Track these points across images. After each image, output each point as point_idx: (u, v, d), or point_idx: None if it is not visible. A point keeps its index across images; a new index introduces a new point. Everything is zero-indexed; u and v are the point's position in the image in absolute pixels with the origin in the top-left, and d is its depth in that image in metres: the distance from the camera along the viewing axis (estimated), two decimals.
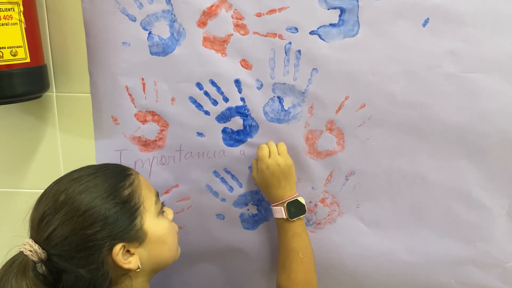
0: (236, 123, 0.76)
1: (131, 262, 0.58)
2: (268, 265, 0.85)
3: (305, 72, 0.73)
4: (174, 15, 0.71)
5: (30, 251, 0.54)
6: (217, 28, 0.71)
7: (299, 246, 0.73)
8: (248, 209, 0.82)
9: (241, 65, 0.73)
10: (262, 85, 0.74)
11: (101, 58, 0.73)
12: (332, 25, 0.70)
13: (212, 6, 0.70)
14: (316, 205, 0.81)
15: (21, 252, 0.54)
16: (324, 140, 0.77)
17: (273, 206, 0.75)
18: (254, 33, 0.71)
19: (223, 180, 0.80)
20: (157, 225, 0.62)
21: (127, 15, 0.71)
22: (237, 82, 0.74)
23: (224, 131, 0.77)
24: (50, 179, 0.61)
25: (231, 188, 0.80)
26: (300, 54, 0.72)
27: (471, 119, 0.73)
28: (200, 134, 0.77)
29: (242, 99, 0.75)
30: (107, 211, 0.57)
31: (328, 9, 0.69)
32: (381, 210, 0.80)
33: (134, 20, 0.71)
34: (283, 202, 0.73)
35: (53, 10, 0.75)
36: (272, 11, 0.70)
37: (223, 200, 0.81)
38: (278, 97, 0.75)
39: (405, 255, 0.82)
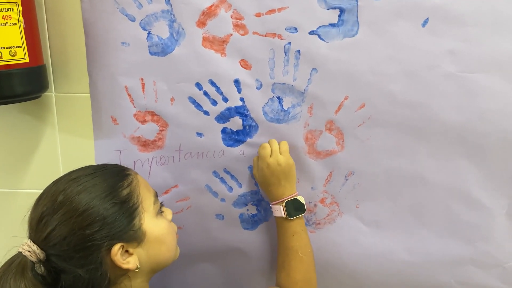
0: (236, 123, 0.76)
1: (130, 262, 0.58)
2: (268, 265, 0.85)
3: (304, 72, 0.73)
4: (174, 15, 0.71)
5: (29, 251, 0.54)
6: (216, 28, 0.71)
7: (299, 245, 0.73)
8: (247, 209, 0.82)
9: (241, 65, 0.73)
10: (261, 85, 0.74)
11: (100, 58, 0.73)
12: (331, 25, 0.70)
13: (211, 6, 0.70)
14: (315, 205, 0.81)
15: (20, 253, 0.54)
16: (323, 140, 0.76)
17: (273, 204, 0.75)
18: (254, 33, 0.71)
19: (222, 180, 0.80)
20: (155, 225, 0.62)
21: (126, 15, 0.71)
22: (237, 82, 0.74)
23: (223, 131, 0.77)
24: (49, 180, 0.61)
25: (230, 188, 0.80)
26: (299, 54, 0.72)
27: (471, 119, 0.73)
28: (199, 134, 0.77)
29: (242, 99, 0.75)
30: (106, 211, 0.56)
31: (328, 9, 0.69)
32: (380, 210, 0.80)
33: (133, 20, 0.71)
34: (282, 201, 0.73)
35: (52, 10, 0.75)
36: (272, 11, 0.70)
37: (223, 200, 0.81)
38: (278, 97, 0.75)
39: (404, 255, 0.82)
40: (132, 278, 0.60)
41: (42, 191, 0.59)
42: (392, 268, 0.82)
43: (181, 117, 0.76)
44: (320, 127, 0.76)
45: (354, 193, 0.79)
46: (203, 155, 0.78)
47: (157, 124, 0.77)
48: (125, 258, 0.58)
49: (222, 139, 0.77)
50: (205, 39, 0.72)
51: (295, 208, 0.73)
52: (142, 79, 0.74)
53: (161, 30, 0.72)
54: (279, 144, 0.75)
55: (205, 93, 0.74)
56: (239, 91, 0.74)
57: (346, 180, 0.79)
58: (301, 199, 0.74)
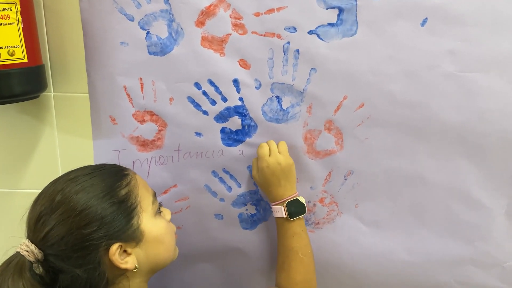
0: (235, 123, 0.76)
1: (128, 262, 0.58)
2: (267, 265, 0.85)
3: (303, 72, 0.73)
4: (172, 15, 0.71)
5: (27, 251, 0.54)
6: (215, 27, 0.71)
7: (299, 246, 0.73)
8: (246, 209, 0.82)
9: (240, 64, 0.73)
10: (260, 84, 0.74)
11: (99, 58, 0.73)
12: (330, 24, 0.70)
13: (210, 5, 0.70)
14: (314, 205, 0.81)
15: (18, 253, 0.54)
16: (322, 140, 0.76)
17: (273, 205, 0.75)
18: (253, 32, 0.71)
19: (221, 180, 0.80)
20: (154, 225, 0.62)
21: (125, 15, 0.71)
22: (236, 81, 0.74)
23: (222, 131, 0.77)
24: (48, 179, 0.61)
25: (229, 188, 0.80)
26: (298, 53, 0.72)
27: (471, 119, 0.73)
28: (198, 134, 0.77)
29: (241, 99, 0.75)
30: (104, 211, 0.56)
31: (327, 9, 0.69)
32: (380, 210, 0.80)
33: (132, 19, 0.71)
34: (283, 201, 0.73)
35: (51, 10, 0.74)
36: (271, 10, 0.70)
37: (222, 200, 0.81)
38: (277, 97, 0.75)
39: (404, 255, 0.82)
40: (130, 278, 0.60)
41: (40, 191, 0.59)
42: (392, 268, 0.82)
43: (180, 116, 0.76)
44: (319, 127, 0.76)
45: (353, 193, 0.79)
46: (202, 155, 0.78)
47: (156, 124, 0.77)
48: (123, 258, 0.58)
49: (221, 138, 0.77)
50: (204, 38, 0.72)
51: (296, 208, 0.73)
52: (141, 79, 0.74)
53: (160, 30, 0.71)
54: (277, 145, 0.75)
55: (204, 93, 0.74)
56: (238, 91, 0.74)
57: (345, 179, 0.79)
58: (301, 199, 0.73)
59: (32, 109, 0.80)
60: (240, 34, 0.71)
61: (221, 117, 0.76)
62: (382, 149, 0.76)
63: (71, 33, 0.75)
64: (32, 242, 0.55)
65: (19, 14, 0.68)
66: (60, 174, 0.61)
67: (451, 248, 0.80)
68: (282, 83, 0.74)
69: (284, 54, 0.72)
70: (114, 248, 0.56)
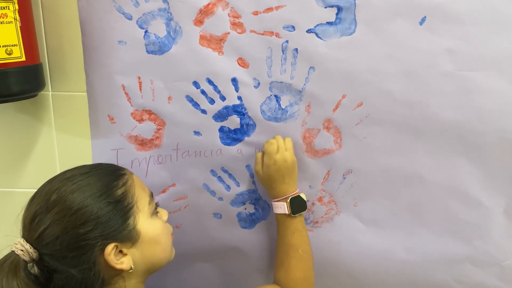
0: (233, 122, 0.76)
1: (124, 262, 0.58)
2: (266, 264, 0.85)
3: (302, 71, 0.72)
4: (171, 14, 0.71)
5: (22, 250, 0.54)
6: (213, 26, 0.71)
7: (299, 243, 0.73)
8: (245, 208, 0.82)
9: (238, 63, 0.73)
10: (259, 83, 0.74)
11: (97, 57, 0.73)
12: (329, 23, 0.70)
13: (208, 4, 0.70)
14: (313, 203, 0.81)
15: (13, 252, 0.54)
16: (321, 138, 0.76)
17: (275, 201, 0.75)
18: (251, 31, 0.71)
19: (220, 179, 0.80)
20: (150, 225, 0.61)
21: (123, 14, 0.71)
22: (234, 80, 0.74)
23: (221, 130, 0.77)
24: (46, 179, 0.60)
25: (228, 187, 0.80)
26: (297, 52, 0.72)
27: (469, 118, 0.73)
28: (197, 133, 0.77)
29: (239, 98, 0.75)
30: (100, 210, 0.56)
31: (325, 7, 0.69)
32: (378, 209, 0.80)
33: (130, 18, 0.71)
34: (287, 197, 0.73)
35: (49, 9, 0.74)
36: (269, 9, 0.70)
37: (220, 199, 0.81)
38: (275, 96, 0.75)
39: (403, 254, 0.82)
40: (126, 279, 0.59)
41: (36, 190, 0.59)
42: (391, 267, 0.82)
43: (178, 115, 0.76)
44: (318, 126, 0.76)
45: (352, 191, 0.79)
46: (201, 154, 0.78)
47: (154, 123, 0.76)
48: (119, 258, 0.57)
49: (220, 137, 0.77)
50: (202, 37, 0.72)
51: (298, 205, 0.73)
52: (139, 78, 0.74)
53: (158, 29, 0.71)
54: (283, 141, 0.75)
55: (203, 92, 0.74)
56: (237, 90, 0.74)
57: (344, 178, 0.79)
58: (303, 196, 0.73)
59: (30, 108, 0.80)
60: (239, 33, 0.71)
61: (220, 116, 0.76)
62: (380, 148, 0.76)
63: (69, 32, 0.75)
64: (27, 241, 0.55)
65: (17, 13, 0.67)
66: (58, 173, 0.61)
67: (450, 247, 0.80)
68: (281, 82, 0.74)
69: (283, 53, 0.72)
70: (110, 248, 0.56)
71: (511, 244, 0.79)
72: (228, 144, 0.77)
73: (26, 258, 0.54)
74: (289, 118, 0.75)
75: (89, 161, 0.75)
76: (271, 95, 0.74)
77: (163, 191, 0.80)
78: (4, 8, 0.66)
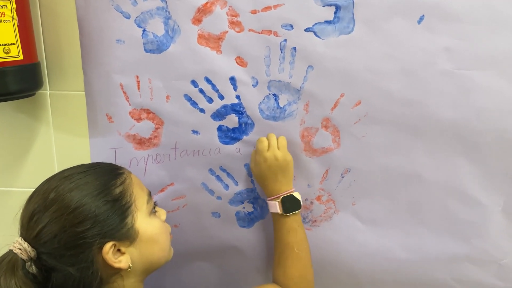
0: (232, 120, 0.76)
1: (122, 261, 0.57)
2: (264, 263, 0.85)
3: (300, 70, 0.72)
4: (169, 12, 0.71)
5: (20, 249, 0.54)
6: (212, 25, 0.71)
7: (294, 241, 0.73)
8: (244, 207, 0.82)
9: (236, 62, 0.73)
10: (257, 82, 0.74)
11: (95, 56, 0.73)
12: (327, 22, 0.70)
13: (207, 3, 0.70)
14: (312, 202, 0.80)
15: (11, 251, 0.54)
16: (319, 137, 0.76)
17: (269, 200, 0.75)
18: (249, 30, 0.71)
19: (218, 178, 0.80)
20: (148, 224, 0.61)
21: (121, 12, 0.70)
22: (233, 79, 0.74)
23: (219, 128, 0.76)
24: (44, 178, 0.60)
25: (226, 186, 0.80)
26: (295, 51, 0.71)
27: (467, 117, 0.73)
28: (195, 132, 0.77)
29: (238, 97, 0.75)
30: (98, 209, 0.56)
31: (324, 6, 0.69)
32: (377, 208, 0.80)
33: (128, 17, 0.71)
34: (278, 196, 0.73)
35: (46, 7, 0.74)
36: (267, 8, 0.70)
37: (219, 198, 0.81)
38: (274, 95, 0.74)
39: (401, 253, 0.82)
40: (125, 278, 0.59)
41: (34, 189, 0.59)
42: (389, 265, 0.82)
43: (176, 114, 0.75)
44: (316, 125, 0.76)
45: (350, 190, 0.79)
46: (199, 153, 0.78)
47: (152, 122, 0.76)
48: (117, 257, 0.57)
49: (218, 136, 0.77)
50: (200, 36, 0.72)
51: (291, 204, 0.72)
52: (137, 77, 0.74)
53: (156, 27, 0.71)
54: (277, 139, 0.75)
55: (201, 91, 0.74)
56: (235, 89, 0.74)
57: (342, 177, 0.79)
58: (297, 195, 0.73)
59: (28, 107, 0.80)
60: (237, 32, 0.71)
61: (218, 115, 0.76)
62: (379, 147, 0.76)
63: (67, 31, 0.75)
64: (25, 240, 0.55)
65: (14, 12, 0.67)
66: (56, 172, 0.61)
67: (448, 246, 0.80)
68: (279, 81, 0.74)
69: (281, 52, 0.72)
70: (108, 247, 0.56)
71: (509, 243, 0.80)
72: (227, 143, 0.77)
73: (24, 257, 0.54)
74: (288, 117, 0.75)
75: (87, 160, 0.75)
76: (269, 94, 0.74)
77: (162, 190, 0.80)
78: (1, 6, 0.66)
